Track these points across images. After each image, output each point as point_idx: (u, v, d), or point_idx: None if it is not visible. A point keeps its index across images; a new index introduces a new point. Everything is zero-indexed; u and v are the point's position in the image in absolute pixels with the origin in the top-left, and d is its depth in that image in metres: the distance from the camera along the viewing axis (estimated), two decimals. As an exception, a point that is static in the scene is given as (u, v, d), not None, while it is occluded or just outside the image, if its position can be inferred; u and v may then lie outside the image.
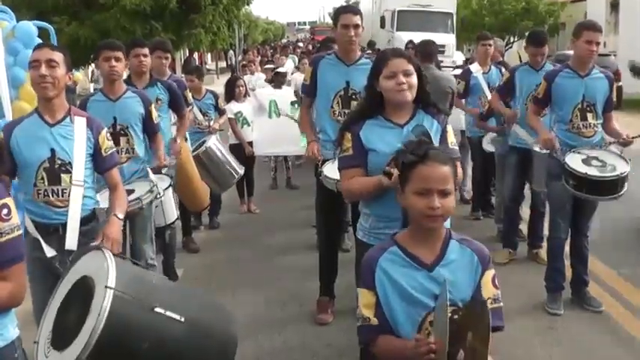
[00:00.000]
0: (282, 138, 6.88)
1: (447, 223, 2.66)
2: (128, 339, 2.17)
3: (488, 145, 6.08)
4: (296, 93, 7.16)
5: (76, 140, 3.09)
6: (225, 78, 14.55)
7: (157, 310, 2.20)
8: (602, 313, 4.38)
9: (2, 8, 5.61)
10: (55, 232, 3.10)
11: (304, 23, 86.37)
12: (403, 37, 16.32)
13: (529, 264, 5.34)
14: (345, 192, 2.94)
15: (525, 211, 5.67)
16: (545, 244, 4.94)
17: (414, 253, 2.09)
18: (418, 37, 10.88)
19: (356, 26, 4.03)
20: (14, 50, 5.30)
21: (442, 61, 12.26)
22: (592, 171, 4.10)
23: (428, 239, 2.10)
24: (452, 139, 2.86)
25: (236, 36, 31.58)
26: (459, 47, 23.45)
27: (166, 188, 4.26)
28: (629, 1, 20.96)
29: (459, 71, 6.82)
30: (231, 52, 34.42)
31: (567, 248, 4.54)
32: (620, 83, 14.79)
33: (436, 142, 2.75)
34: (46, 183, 3.07)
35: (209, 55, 39.15)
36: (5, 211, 1.94)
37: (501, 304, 2.13)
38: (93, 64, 15.63)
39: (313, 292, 4.50)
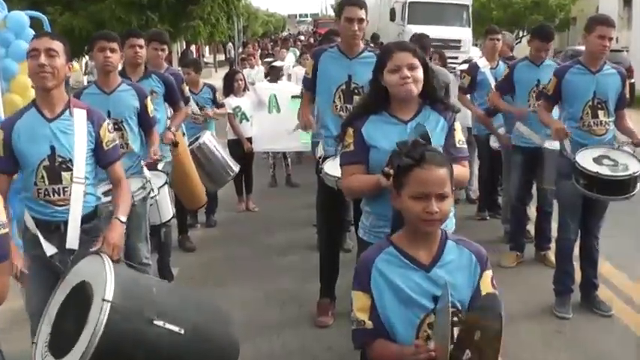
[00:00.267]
0: (282, 134, 6.74)
1: (452, 224, 2.54)
2: (125, 350, 2.21)
3: (495, 143, 5.94)
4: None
5: (77, 135, 2.98)
6: (223, 71, 14.46)
7: (156, 322, 2.24)
8: (611, 317, 4.29)
9: (-6, -2, 5.47)
10: (56, 229, 2.99)
11: (306, 15, 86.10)
12: (415, 31, 15.98)
13: (537, 266, 5.23)
14: (345, 189, 2.89)
15: (533, 212, 5.54)
16: (553, 245, 4.84)
17: (410, 254, 2.07)
18: (431, 30, 10.61)
19: (360, 20, 3.93)
20: (5, 41, 5.17)
21: (457, 57, 12.05)
22: (603, 170, 4.00)
23: (424, 240, 2.09)
24: (460, 137, 2.77)
25: (235, 28, 31.50)
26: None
27: (162, 186, 4.16)
28: (643, -5, 20.80)
29: (465, 66, 6.63)
30: (229, 44, 34.34)
31: (577, 250, 4.43)
32: (633, 80, 14.27)
33: (442, 140, 2.68)
34: (47, 182, 2.95)
35: (207, 47, 38.95)
36: None
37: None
38: (87, 56, 15.53)
39: (313, 293, 4.41)
